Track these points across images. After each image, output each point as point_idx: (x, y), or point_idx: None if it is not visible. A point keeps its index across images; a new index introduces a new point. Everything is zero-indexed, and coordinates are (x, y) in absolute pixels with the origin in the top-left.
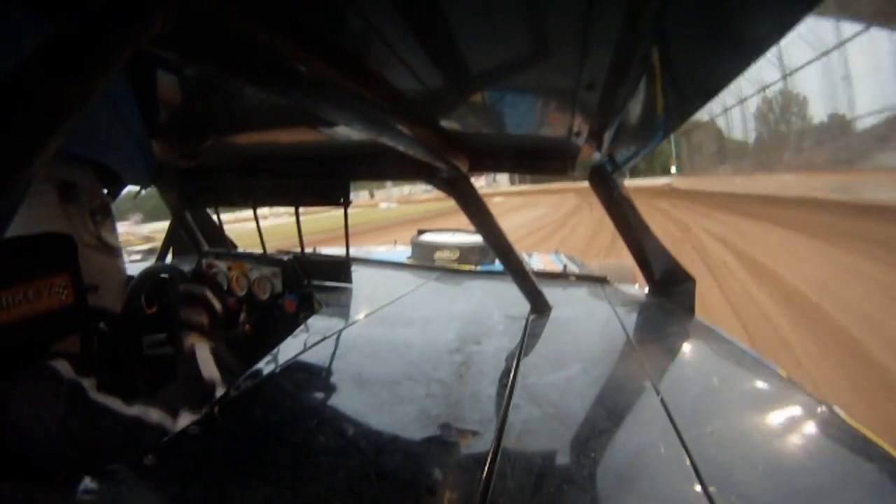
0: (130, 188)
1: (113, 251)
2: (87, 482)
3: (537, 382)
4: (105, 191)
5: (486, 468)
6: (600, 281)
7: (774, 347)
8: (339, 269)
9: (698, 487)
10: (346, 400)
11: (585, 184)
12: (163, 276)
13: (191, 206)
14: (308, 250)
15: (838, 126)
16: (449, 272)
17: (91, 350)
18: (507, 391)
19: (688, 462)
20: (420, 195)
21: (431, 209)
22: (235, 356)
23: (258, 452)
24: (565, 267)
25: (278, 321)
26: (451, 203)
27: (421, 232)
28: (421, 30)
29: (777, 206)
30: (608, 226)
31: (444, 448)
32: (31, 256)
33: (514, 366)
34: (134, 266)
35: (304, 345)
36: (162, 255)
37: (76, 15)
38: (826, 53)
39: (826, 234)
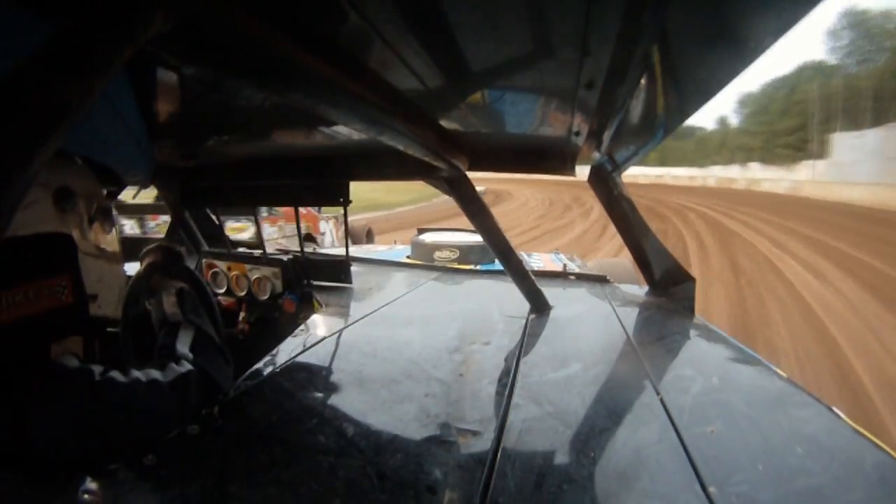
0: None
1: (112, 256)
2: (88, 482)
3: (537, 382)
4: (104, 193)
5: (486, 467)
6: (600, 280)
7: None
8: (339, 268)
9: (698, 487)
10: (346, 400)
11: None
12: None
13: (191, 206)
14: (308, 250)
15: None
16: (449, 272)
17: (93, 356)
18: (507, 390)
19: (687, 462)
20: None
21: None
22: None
23: (258, 452)
24: (565, 266)
25: (278, 321)
26: None
27: (421, 231)
28: (421, 29)
29: None
30: None
31: (444, 448)
32: (30, 257)
33: (514, 365)
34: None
35: (304, 345)
36: None
37: (76, 15)
38: None
39: None
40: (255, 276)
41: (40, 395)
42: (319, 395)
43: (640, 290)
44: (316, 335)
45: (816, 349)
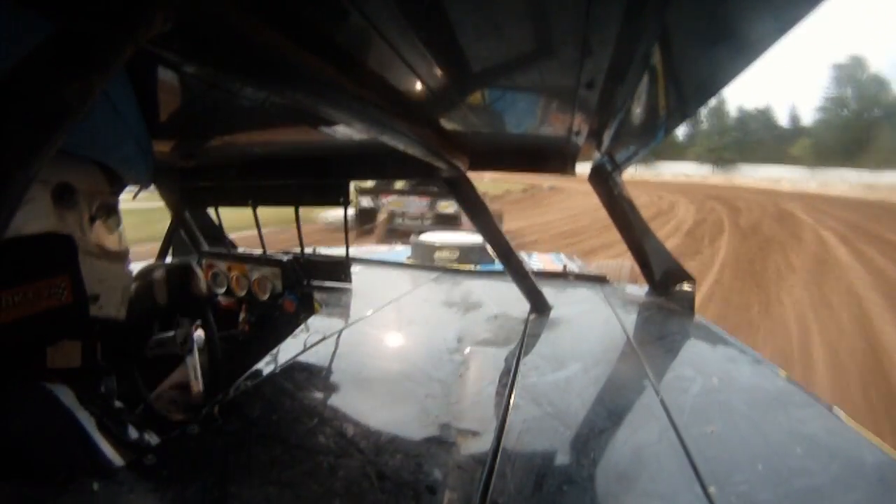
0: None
1: (115, 256)
2: (87, 482)
3: (537, 382)
4: (109, 191)
5: (486, 468)
6: (600, 280)
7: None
8: (339, 269)
9: (698, 487)
10: (346, 400)
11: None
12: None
13: (191, 206)
14: (308, 250)
15: None
16: (449, 272)
17: (94, 360)
18: (507, 391)
19: (687, 462)
20: None
21: None
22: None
23: (258, 452)
24: (565, 267)
25: (278, 321)
26: None
27: (421, 232)
28: (421, 29)
29: None
30: None
31: (444, 448)
32: (30, 257)
33: (513, 365)
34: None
35: (304, 345)
36: (162, 255)
37: (76, 15)
38: None
39: None
40: (255, 276)
41: (22, 412)
42: (319, 395)
43: (640, 290)
44: (316, 335)
45: None
